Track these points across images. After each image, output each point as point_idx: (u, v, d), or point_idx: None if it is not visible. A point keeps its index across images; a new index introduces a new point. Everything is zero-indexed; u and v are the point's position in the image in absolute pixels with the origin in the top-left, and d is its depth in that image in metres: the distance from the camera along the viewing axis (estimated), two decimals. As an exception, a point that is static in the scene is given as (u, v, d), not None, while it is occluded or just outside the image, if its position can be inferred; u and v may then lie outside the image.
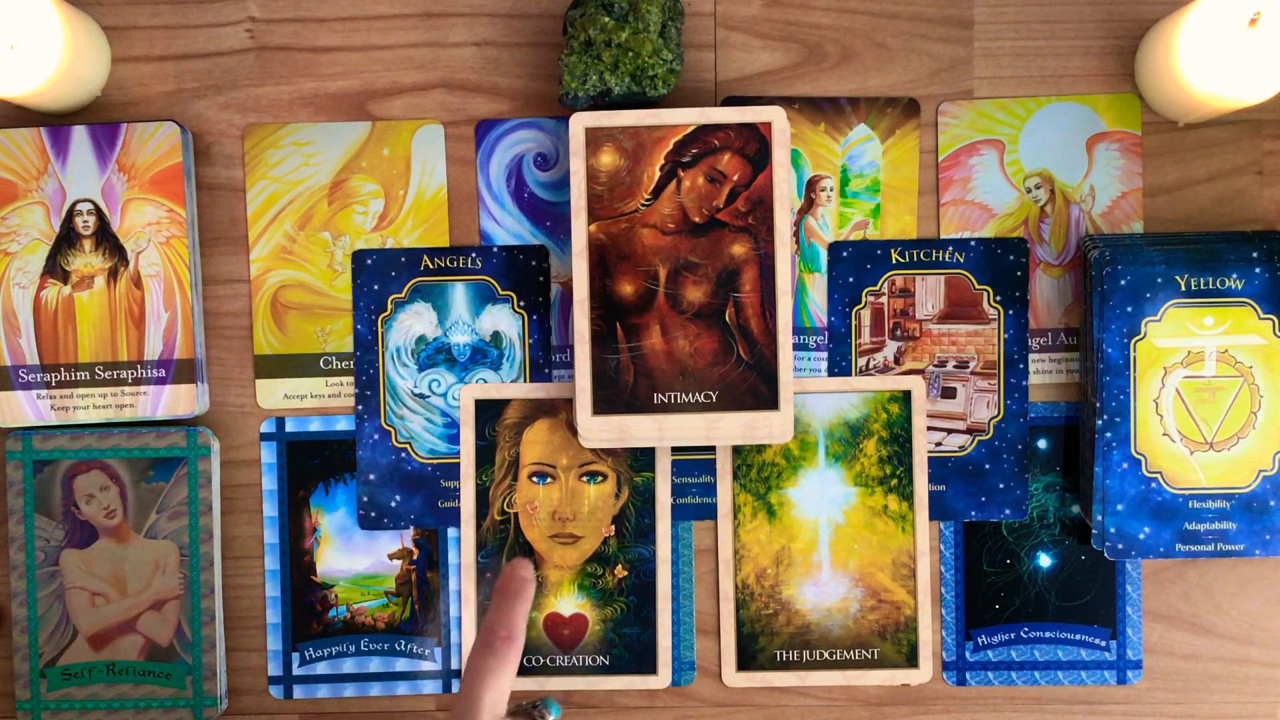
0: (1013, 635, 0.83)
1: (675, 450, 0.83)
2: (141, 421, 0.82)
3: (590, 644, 0.82)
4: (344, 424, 0.83)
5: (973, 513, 0.83)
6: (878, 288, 0.83)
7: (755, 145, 0.78)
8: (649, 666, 0.82)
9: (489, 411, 0.82)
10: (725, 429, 0.78)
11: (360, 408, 0.83)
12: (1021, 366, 0.82)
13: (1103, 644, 0.83)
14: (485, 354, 0.83)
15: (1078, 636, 0.83)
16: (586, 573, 0.82)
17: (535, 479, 0.82)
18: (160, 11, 0.83)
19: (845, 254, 0.83)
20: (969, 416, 0.82)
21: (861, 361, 0.83)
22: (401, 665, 0.83)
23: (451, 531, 0.83)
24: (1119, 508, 0.79)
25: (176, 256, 0.81)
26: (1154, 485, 0.78)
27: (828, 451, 0.82)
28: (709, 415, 0.78)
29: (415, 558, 0.83)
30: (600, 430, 0.78)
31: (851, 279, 0.83)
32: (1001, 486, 0.82)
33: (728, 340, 0.78)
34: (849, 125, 0.82)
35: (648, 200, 0.78)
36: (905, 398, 0.82)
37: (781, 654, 0.82)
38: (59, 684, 0.82)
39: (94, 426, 0.82)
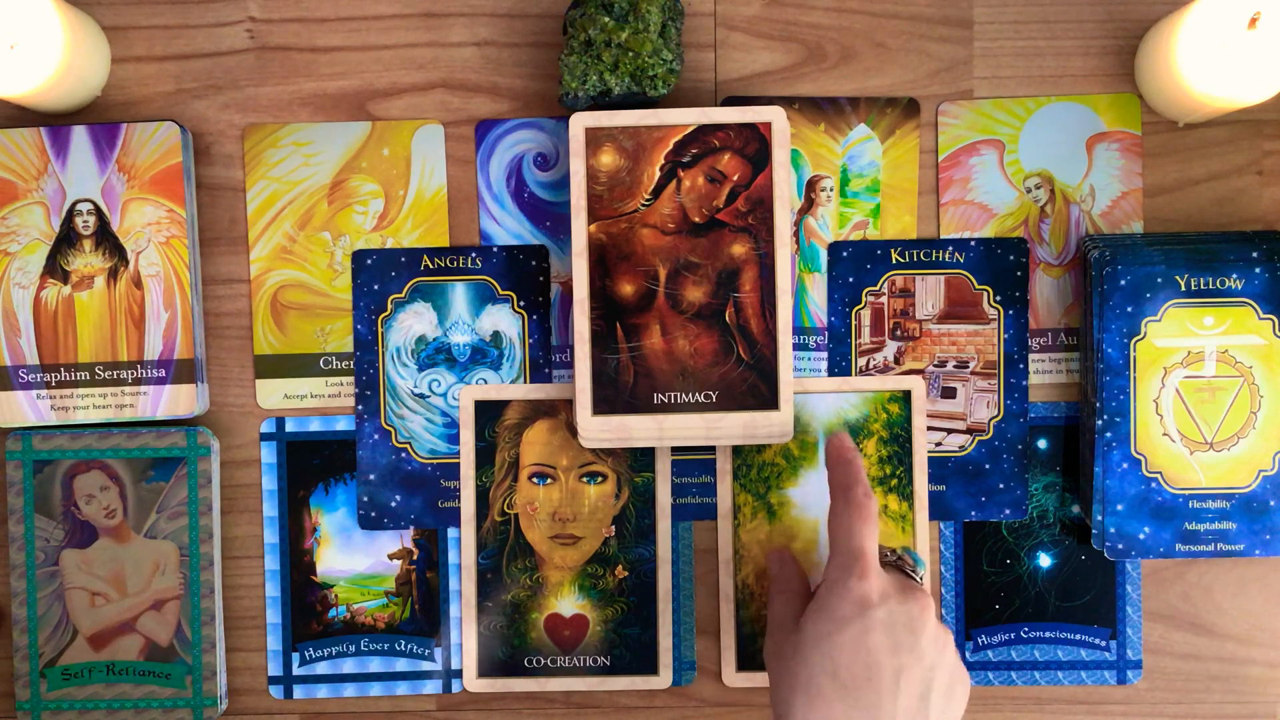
0: (1013, 635, 0.83)
1: (675, 450, 0.83)
2: (141, 421, 0.82)
3: (591, 644, 0.82)
4: (344, 424, 0.83)
5: (973, 513, 0.83)
6: (878, 288, 0.83)
7: (755, 145, 0.78)
8: (650, 667, 0.82)
9: (489, 412, 0.82)
10: (725, 429, 0.78)
11: (360, 408, 0.83)
12: (1021, 366, 0.82)
13: (1103, 644, 0.83)
14: (485, 354, 0.83)
15: (1078, 636, 0.83)
16: (587, 573, 0.82)
17: (535, 480, 0.82)
18: (160, 11, 0.83)
19: (845, 254, 0.83)
20: (969, 416, 0.82)
21: (861, 361, 0.83)
22: (401, 665, 0.83)
23: (451, 532, 0.83)
24: (1119, 508, 0.79)
25: (176, 256, 0.81)
26: (1154, 485, 0.78)
27: (828, 451, 0.82)
28: (709, 415, 0.78)
29: (415, 558, 0.83)
30: (600, 430, 0.78)
31: (851, 279, 0.83)
32: (1001, 486, 0.82)
33: (728, 340, 0.78)
34: (849, 125, 0.83)
35: (648, 200, 0.78)
36: (905, 398, 0.82)
37: (781, 654, 0.82)
38: (59, 684, 0.82)
39: (94, 426, 0.82)
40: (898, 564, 0.73)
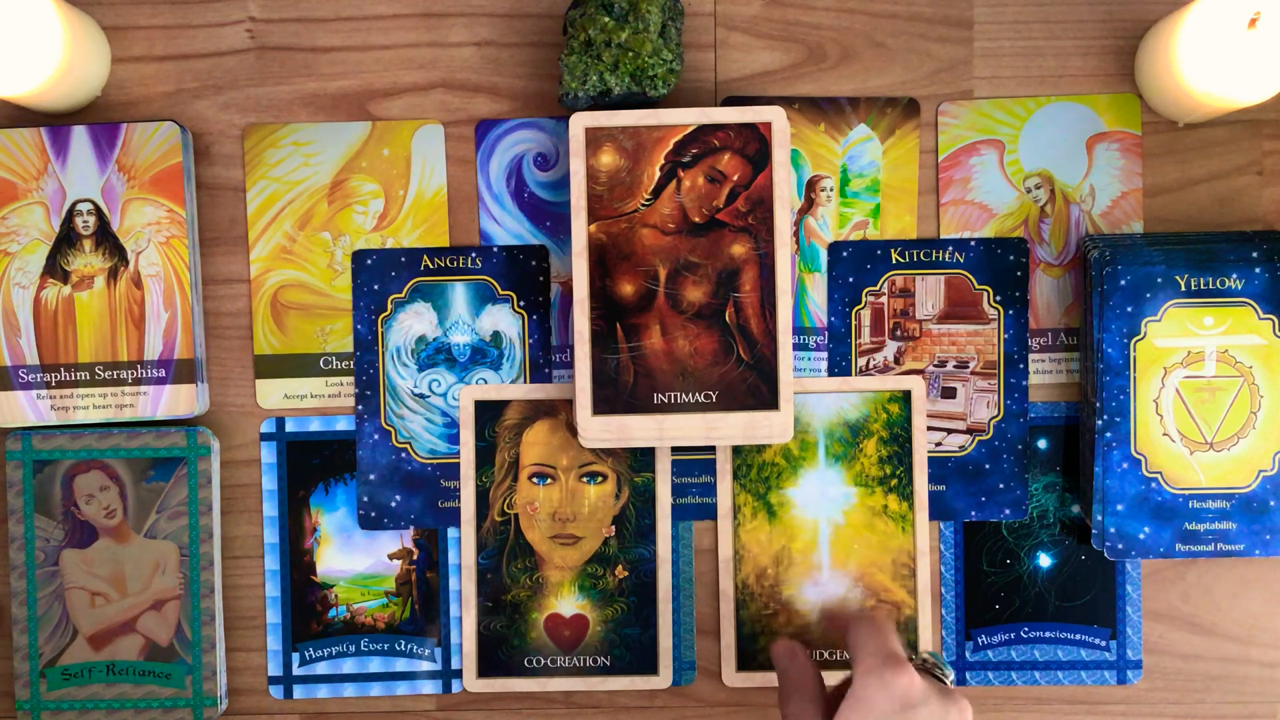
0: (1013, 635, 0.83)
1: (675, 450, 0.83)
2: (141, 421, 0.82)
3: (591, 644, 0.82)
4: (344, 424, 0.83)
5: (973, 513, 0.83)
6: (878, 288, 0.83)
7: (755, 145, 0.78)
8: (649, 667, 0.82)
9: (489, 412, 0.82)
10: (725, 429, 0.78)
11: (360, 408, 0.83)
12: (1021, 366, 0.82)
13: (1103, 644, 0.83)
14: (485, 354, 0.83)
15: (1078, 636, 0.83)
16: (587, 573, 0.82)
17: (535, 480, 0.82)
18: (160, 11, 0.83)
19: (845, 254, 0.83)
20: (969, 416, 0.82)
21: (861, 361, 0.83)
22: (401, 665, 0.83)
23: (451, 531, 0.83)
24: (1119, 508, 0.79)
25: (176, 256, 0.81)
26: (1154, 485, 0.78)
27: (828, 451, 0.82)
28: (709, 415, 0.78)
29: (415, 558, 0.83)
30: (600, 430, 0.78)
31: (851, 279, 0.83)
32: (1001, 486, 0.82)
33: (728, 340, 0.78)
34: (849, 125, 0.82)
35: (648, 200, 0.78)
36: (905, 398, 0.82)
37: (781, 654, 0.83)
38: (59, 684, 0.82)
39: (94, 426, 0.82)
40: (927, 669, 0.71)
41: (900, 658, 0.67)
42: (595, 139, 0.78)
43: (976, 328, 0.82)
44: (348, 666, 0.83)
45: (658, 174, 0.78)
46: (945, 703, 0.67)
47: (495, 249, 0.83)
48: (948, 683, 0.71)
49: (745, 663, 0.83)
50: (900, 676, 0.66)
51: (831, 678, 0.77)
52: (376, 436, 0.83)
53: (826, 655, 0.82)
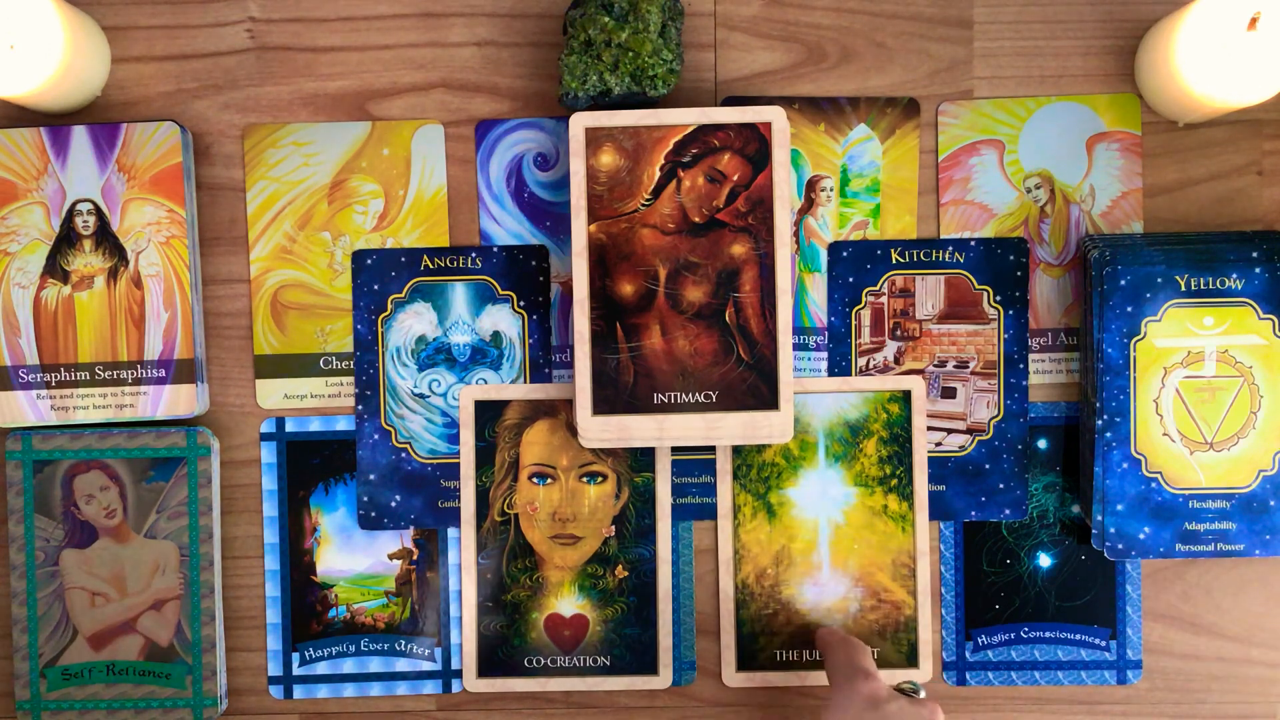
0: (1013, 635, 0.83)
1: (675, 450, 0.83)
2: (141, 421, 0.82)
3: (591, 644, 0.82)
4: (344, 424, 0.83)
5: (973, 513, 0.83)
6: (878, 288, 0.83)
7: (755, 145, 0.78)
8: (650, 667, 0.82)
9: (489, 412, 0.82)
10: (725, 429, 0.78)
11: (360, 408, 0.83)
12: (1021, 366, 0.82)
13: (1103, 644, 0.83)
14: (485, 354, 0.83)
15: (1078, 636, 0.83)
16: (587, 573, 0.82)
17: (535, 480, 0.82)
18: (160, 11, 0.83)
19: (845, 254, 0.83)
20: (969, 416, 0.82)
21: (861, 361, 0.83)
22: (401, 665, 0.83)
23: (451, 531, 0.83)
24: (1119, 508, 0.79)
25: (176, 256, 0.81)
26: (1154, 485, 0.78)
27: (828, 451, 0.82)
28: (709, 415, 0.78)
29: (415, 558, 0.83)
30: (600, 430, 0.78)
31: (851, 279, 0.83)
32: (1001, 486, 0.82)
33: (728, 340, 0.78)
34: (849, 125, 0.83)
35: (648, 200, 0.78)
36: (905, 398, 0.82)
37: (781, 654, 0.83)
38: (59, 684, 0.82)
39: (94, 426, 0.82)
40: (903, 691, 0.75)
41: (869, 671, 0.74)
42: (595, 139, 0.78)
43: (976, 328, 0.82)
44: (348, 666, 0.83)
45: (658, 174, 0.78)
46: (916, 704, 0.73)
47: (495, 249, 0.83)
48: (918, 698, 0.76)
49: (745, 663, 0.83)
50: (868, 683, 0.73)
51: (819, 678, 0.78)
52: (376, 436, 0.83)
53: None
